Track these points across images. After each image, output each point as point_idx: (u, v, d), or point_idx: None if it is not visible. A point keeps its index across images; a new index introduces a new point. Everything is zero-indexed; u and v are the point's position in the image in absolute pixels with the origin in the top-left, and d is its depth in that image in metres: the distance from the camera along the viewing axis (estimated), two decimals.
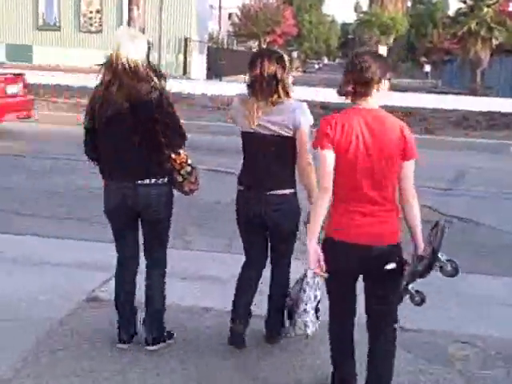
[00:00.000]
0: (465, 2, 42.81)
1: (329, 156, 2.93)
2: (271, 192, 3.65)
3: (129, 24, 16.20)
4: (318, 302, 3.62)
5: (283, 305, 3.90)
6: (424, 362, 3.88)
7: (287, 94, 3.63)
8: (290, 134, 3.59)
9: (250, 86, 3.63)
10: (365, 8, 54.29)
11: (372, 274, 3.04)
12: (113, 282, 4.41)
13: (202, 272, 5.21)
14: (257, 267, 3.99)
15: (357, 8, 68.49)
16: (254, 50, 5.01)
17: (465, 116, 17.10)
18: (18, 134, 12.33)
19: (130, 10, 16.01)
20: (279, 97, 3.58)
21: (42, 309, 4.33)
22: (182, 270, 5.19)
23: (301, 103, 3.68)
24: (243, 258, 5.10)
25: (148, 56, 3.56)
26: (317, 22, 79.75)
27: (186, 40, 35.68)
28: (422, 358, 3.93)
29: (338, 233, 3.00)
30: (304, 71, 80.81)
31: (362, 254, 2.96)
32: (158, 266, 3.88)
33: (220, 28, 60.32)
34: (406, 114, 16.91)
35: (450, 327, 4.42)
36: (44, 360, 3.66)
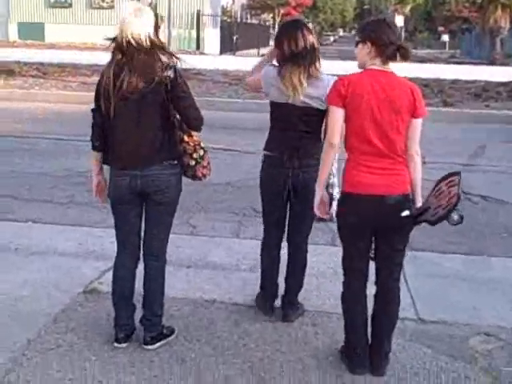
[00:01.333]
0: None
1: (338, 112, 3.11)
2: (301, 159, 3.67)
3: None
4: None
5: (300, 286, 3.99)
6: (445, 359, 3.57)
7: (320, 64, 3.66)
8: (323, 107, 3.60)
9: (291, 58, 3.57)
10: None
11: (387, 223, 3.18)
12: (112, 273, 4.17)
13: (208, 259, 4.94)
14: (276, 241, 3.99)
15: None
16: (282, 22, 4.69)
17: (485, 87, 16.51)
18: (23, 113, 12.08)
19: None
20: (316, 68, 3.61)
21: (37, 303, 4.08)
22: (187, 257, 4.96)
23: (334, 78, 3.48)
24: (251, 243, 4.87)
25: (157, 31, 3.34)
26: None
27: (198, 14, 35.17)
28: (443, 354, 3.62)
29: (352, 187, 3.16)
30: (320, 44, 79.62)
31: (377, 204, 3.12)
32: (157, 260, 3.57)
33: (234, 1, 59.48)
34: (424, 85, 16.44)
35: (473, 318, 4.10)
36: (35, 361, 3.41)
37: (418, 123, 3.17)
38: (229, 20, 43.03)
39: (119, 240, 3.60)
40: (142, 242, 3.58)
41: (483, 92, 15.68)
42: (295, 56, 3.55)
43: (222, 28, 38.78)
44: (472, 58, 46.63)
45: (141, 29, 3.26)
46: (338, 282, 4.49)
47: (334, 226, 5.74)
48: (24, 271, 4.58)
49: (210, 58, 26.42)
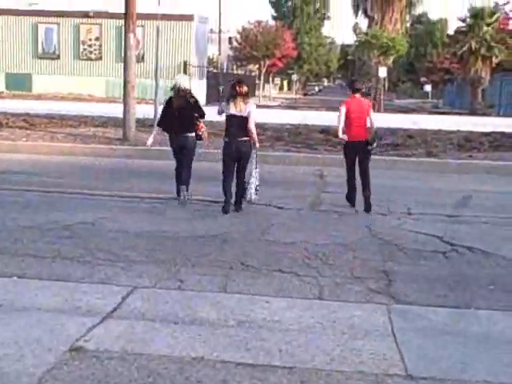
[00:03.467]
0: (464, 21, 42.83)
1: (343, 109, 8.65)
2: (242, 138, 8.33)
3: (126, 51, 15.96)
4: (257, 186, 8.56)
5: (243, 190, 8.56)
6: None
7: (248, 99, 8.49)
8: (246, 115, 8.26)
9: (236, 96, 8.35)
10: (364, 29, 54.08)
11: (362, 151, 8.63)
12: (98, 330, 4.17)
13: (195, 314, 4.87)
14: (232, 176, 8.51)
15: (356, 29, 68.53)
16: (233, 82, 8.70)
17: (467, 137, 16.75)
18: (9, 165, 12.09)
19: (126, 38, 15.75)
20: (246, 100, 8.37)
21: (21, 362, 3.98)
22: (174, 312, 4.90)
23: (253, 103, 8.65)
24: (238, 298, 4.90)
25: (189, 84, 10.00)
26: (316, 44, 79.78)
27: (185, 65, 35.65)
28: None
29: (350, 137, 8.56)
30: (305, 94, 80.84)
31: (359, 143, 8.58)
32: (188, 167, 8.95)
33: (220, 52, 60.41)
34: (408, 136, 16.67)
35: (462, 373, 4.07)
36: None
37: (371, 116, 8.71)
38: (215, 71, 43.63)
39: (176, 162, 9.08)
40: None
41: (466, 142, 15.89)
42: (239, 94, 8.30)
43: (208, 78, 39.29)
44: (454, 107, 47.48)
45: (185, 85, 8.98)
46: (326, 336, 4.50)
47: (322, 280, 5.76)
48: (8, 328, 4.50)
49: None
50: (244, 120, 8.18)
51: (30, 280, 5.57)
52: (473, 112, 37.65)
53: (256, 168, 8.53)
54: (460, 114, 36.26)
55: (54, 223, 7.50)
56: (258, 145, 8.59)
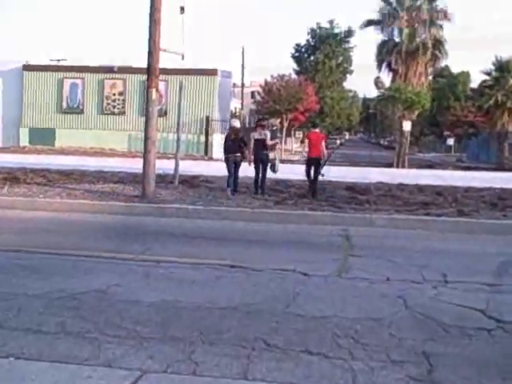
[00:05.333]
0: (489, 74, 42.62)
1: (307, 140, 16.40)
2: (264, 152, 15.71)
3: (147, 106, 15.73)
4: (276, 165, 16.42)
5: (264, 181, 15.96)
6: None
7: (265, 130, 16.29)
8: (263, 137, 15.77)
9: (258, 127, 16.08)
10: (387, 82, 54.15)
11: (316, 164, 15.78)
12: None
13: None
14: (258, 174, 15.80)
15: (377, 83, 68.63)
16: (256, 122, 17.64)
17: (500, 195, 16.06)
18: (24, 223, 11.68)
19: (148, 93, 15.53)
20: (264, 130, 16.02)
21: None
22: None
23: (267, 130, 16.61)
24: None
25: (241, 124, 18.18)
26: (338, 97, 79.98)
27: (207, 119, 35.65)
28: None
29: (310, 154, 15.94)
30: (326, 147, 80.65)
31: (314, 159, 15.82)
32: (237, 175, 15.74)
33: (242, 106, 60.74)
34: (437, 193, 16.07)
35: None
36: None
37: (323, 143, 15.96)
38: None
39: (229, 173, 15.52)
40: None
41: (499, 200, 15.18)
42: (260, 125, 16.06)
43: None
44: (478, 161, 46.89)
45: (237, 125, 16.17)
46: None
47: (355, 364, 5.09)
48: None
49: (218, 164, 26.33)
50: (262, 141, 15.38)
51: (27, 361, 5.01)
52: (500, 167, 36.98)
53: (275, 159, 16.17)
54: (486, 168, 35.58)
55: (62, 291, 6.95)
56: (274, 144, 16.88)
